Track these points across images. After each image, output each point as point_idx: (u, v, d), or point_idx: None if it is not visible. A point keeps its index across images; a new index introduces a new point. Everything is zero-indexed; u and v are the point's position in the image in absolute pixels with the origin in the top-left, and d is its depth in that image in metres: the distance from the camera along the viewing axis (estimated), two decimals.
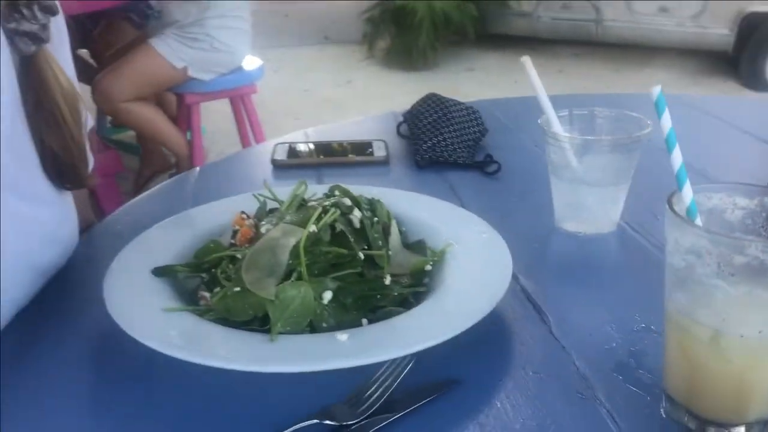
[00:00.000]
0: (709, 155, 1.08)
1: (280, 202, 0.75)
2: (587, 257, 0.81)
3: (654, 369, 0.60)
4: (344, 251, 0.65)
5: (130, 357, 0.63)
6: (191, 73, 2.72)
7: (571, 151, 0.80)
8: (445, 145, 1.06)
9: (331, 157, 1.09)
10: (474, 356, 0.63)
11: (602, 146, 0.80)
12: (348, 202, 0.72)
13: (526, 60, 0.78)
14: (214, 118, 3.89)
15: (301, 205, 0.71)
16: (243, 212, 0.73)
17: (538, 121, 0.82)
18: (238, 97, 3.01)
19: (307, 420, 0.54)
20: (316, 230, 0.65)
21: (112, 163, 2.86)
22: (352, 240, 0.67)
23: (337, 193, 0.74)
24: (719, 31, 4.79)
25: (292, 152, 1.11)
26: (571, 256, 0.82)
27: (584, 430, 0.55)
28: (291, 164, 1.07)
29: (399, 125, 1.21)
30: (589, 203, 0.83)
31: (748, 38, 4.69)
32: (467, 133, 1.10)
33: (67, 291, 0.76)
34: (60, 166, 0.73)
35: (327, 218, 0.66)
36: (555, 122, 0.80)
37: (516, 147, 1.14)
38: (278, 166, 1.07)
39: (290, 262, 0.63)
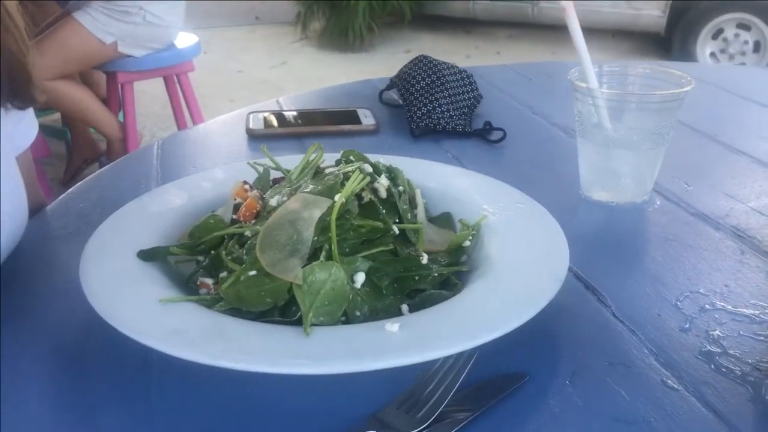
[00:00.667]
0: (719, 121, 1.02)
1: (285, 171, 0.64)
2: (626, 229, 0.73)
3: (743, 352, 0.53)
4: (379, 225, 0.54)
5: (118, 361, 0.51)
6: (121, 48, 2.52)
7: (604, 110, 0.71)
8: (441, 112, 0.96)
9: (315, 126, 0.98)
10: (533, 344, 0.53)
11: (641, 104, 0.71)
12: (369, 168, 0.61)
13: (569, 5, 0.69)
14: (144, 100, 3.67)
15: (317, 172, 0.60)
16: (245, 182, 0.61)
17: (568, 76, 0.73)
18: (174, 75, 2.82)
19: (361, 431, 0.43)
20: (344, 200, 0.53)
21: (37, 147, 2.62)
22: (383, 212, 0.56)
23: (352, 158, 0.63)
24: (652, 13, 4.85)
25: (269, 121, 0.98)
26: (607, 229, 0.73)
27: (681, 424, 0.46)
28: (269, 134, 0.95)
29: (381, 93, 1.10)
30: (623, 169, 0.74)
31: (679, 20, 4.76)
32: (462, 99, 1.00)
33: (26, 283, 0.62)
34: (12, 75, 0.60)
35: (354, 186, 0.55)
36: (591, 76, 0.71)
37: (513, 114, 1.05)
38: (254, 137, 0.95)
39: (315, 238, 0.52)
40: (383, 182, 0.59)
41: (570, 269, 0.63)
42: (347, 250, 0.53)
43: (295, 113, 1.02)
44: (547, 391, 0.49)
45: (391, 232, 0.55)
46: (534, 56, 5.17)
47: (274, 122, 0.98)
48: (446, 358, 0.49)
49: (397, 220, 0.58)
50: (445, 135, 0.96)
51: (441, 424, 0.45)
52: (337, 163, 0.63)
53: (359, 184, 0.55)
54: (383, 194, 0.59)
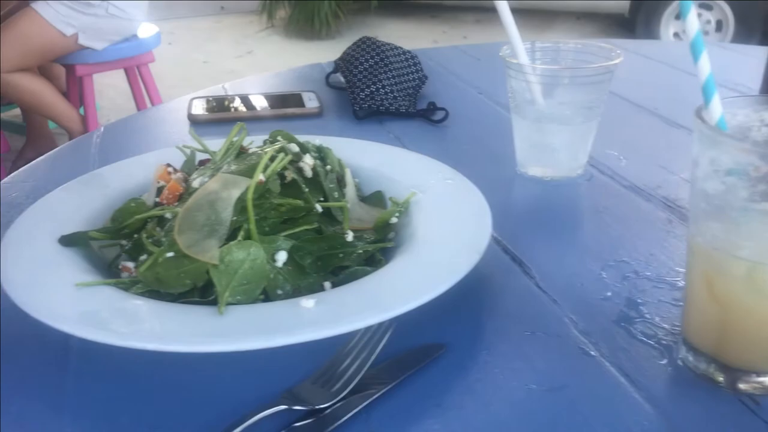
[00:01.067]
0: (660, 96, 1.03)
1: (212, 153, 0.63)
2: (558, 203, 0.73)
3: (661, 317, 0.53)
4: (299, 203, 0.54)
5: (39, 346, 0.50)
6: (82, 41, 2.49)
7: (537, 85, 0.72)
8: (384, 93, 0.96)
9: (258, 110, 0.97)
10: (455, 316, 0.54)
11: (572, 78, 0.72)
12: (295, 148, 0.61)
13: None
14: (108, 93, 3.63)
15: (240, 153, 0.60)
16: (169, 164, 0.60)
17: (500, 54, 0.74)
18: (134, 67, 2.79)
19: (273, 406, 0.43)
20: (263, 179, 0.53)
21: None
22: (306, 190, 0.56)
23: (280, 138, 0.63)
24: None
25: (212, 106, 0.98)
26: (541, 203, 0.74)
27: (596, 389, 0.47)
28: (211, 119, 0.94)
29: (328, 75, 1.10)
30: (556, 144, 0.75)
31: (643, 1, 4.80)
32: (407, 80, 1.00)
33: None
34: None
35: (276, 165, 0.55)
36: (521, 52, 0.71)
37: (458, 94, 1.06)
38: (196, 122, 0.94)
39: (234, 218, 0.52)
40: (308, 161, 0.59)
41: (499, 243, 0.64)
42: (267, 229, 0.53)
43: (238, 98, 1.02)
44: (465, 362, 0.50)
45: (314, 210, 0.56)
46: (501, 40, 5.19)
47: (217, 107, 0.98)
48: (365, 333, 0.49)
49: (322, 199, 0.58)
50: (389, 116, 0.96)
51: (356, 396, 0.46)
52: (265, 143, 0.63)
53: (280, 163, 0.55)
54: (309, 173, 0.59)
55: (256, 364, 0.48)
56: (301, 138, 0.67)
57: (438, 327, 0.53)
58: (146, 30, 2.74)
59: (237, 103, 1.00)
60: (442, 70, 1.17)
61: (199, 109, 0.96)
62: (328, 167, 0.61)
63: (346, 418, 0.44)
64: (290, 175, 0.56)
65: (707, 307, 0.46)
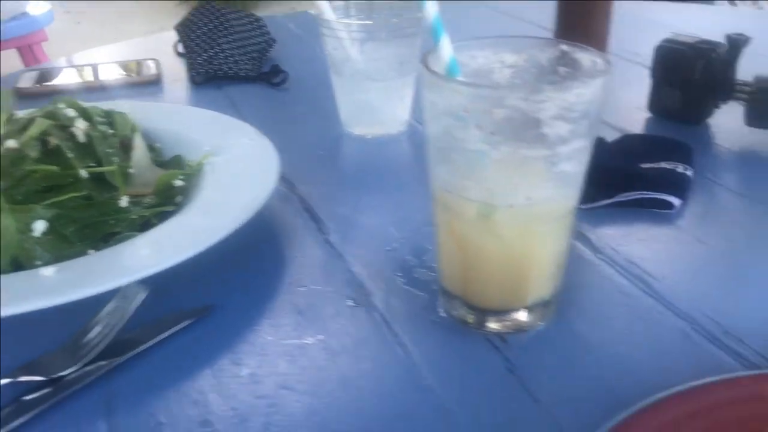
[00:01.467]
0: None
1: None
2: (375, 160, 0.73)
3: (435, 266, 0.54)
4: (54, 169, 0.52)
5: None
6: None
7: (349, 41, 0.71)
8: (224, 57, 0.94)
9: (90, 80, 0.93)
10: (236, 277, 0.53)
11: (380, 33, 0.71)
12: (72, 113, 0.58)
13: None
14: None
15: (10, 120, 0.57)
16: None
17: (311, 11, 0.72)
18: (27, 47, 2.68)
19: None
20: (17, 146, 0.51)
21: None
22: (71, 156, 0.54)
23: (61, 105, 0.60)
24: None
25: (42, 78, 0.94)
26: (359, 161, 0.73)
27: (355, 339, 0.47)
28: (39, 92, 0.90)
29: (176, 43, 1.07)
30: (374, 101, 0.74)
31: None
32: (250, 44, 0.98)
33: None
34: None
35: (33, 130, 0.52)
36: (326, 8, 0.70)
37: (307, 57, 1.04)
38: (23, 96, 0.90)
39: None
40: (80, 125, 0.56)
41: (303, 202, 0.64)
42: (20, 197, 0.51)
43: (75, 69, 0.98)
44: (230, 322, 0.49)
45: (79, 177, 0.53)
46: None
47: (50, 80, 0.94)
48: (120, 298, 0.47)
49: (95, 165, 0.56)
50: (229, 80, 0.94)
51: (99, 363, 0.44)
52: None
53: (38, 127, 0.52)
54: (82, 138, 0.56)
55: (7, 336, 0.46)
56: (108, 103, 0.65)
57: (216, 288, 0.52)
58: (37, 7, 2.63)
59: (70, 74, 0.96)
60: (301, 33, 1.15)
61: (29, 81, 0.92)
62: (110, 131, 0.59)
63: (81, 385, 0.43)
64: (53, 140, 0.54)
65: (451, 250, 0.46)
